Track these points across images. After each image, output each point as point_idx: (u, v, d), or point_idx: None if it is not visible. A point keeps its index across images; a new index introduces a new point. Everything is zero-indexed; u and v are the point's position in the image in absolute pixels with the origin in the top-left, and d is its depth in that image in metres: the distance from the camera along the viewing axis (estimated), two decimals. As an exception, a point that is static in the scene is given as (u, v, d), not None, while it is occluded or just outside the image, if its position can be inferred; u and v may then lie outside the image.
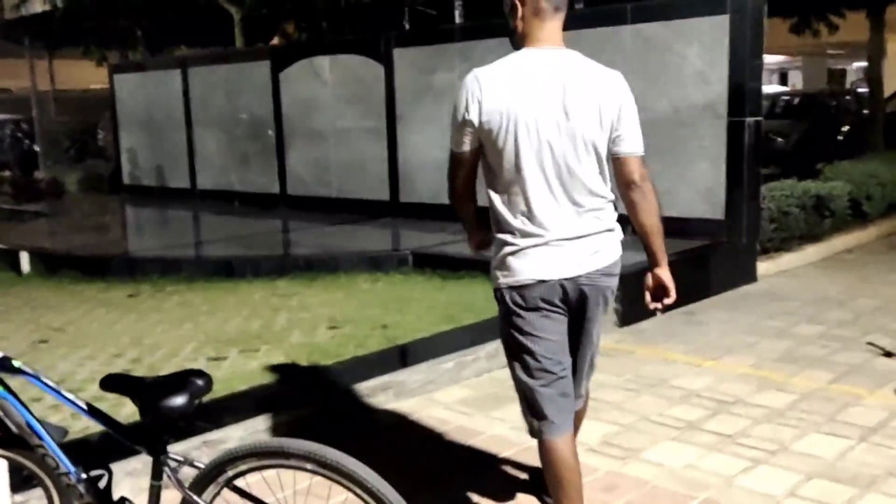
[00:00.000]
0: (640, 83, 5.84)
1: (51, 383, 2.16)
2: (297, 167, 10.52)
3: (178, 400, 2.02)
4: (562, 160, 2.48)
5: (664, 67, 7.02)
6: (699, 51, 6.84)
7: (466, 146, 2.55)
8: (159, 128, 12.45)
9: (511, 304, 2.59)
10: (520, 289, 2.55)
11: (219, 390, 4.20)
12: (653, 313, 2.84)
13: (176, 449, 2.28)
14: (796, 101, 17.27)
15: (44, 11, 16.83)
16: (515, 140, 2.46)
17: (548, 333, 2.59)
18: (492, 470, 3.50)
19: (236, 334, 5.27)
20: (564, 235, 2.52)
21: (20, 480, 2.71)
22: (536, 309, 2.56)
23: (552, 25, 2.53)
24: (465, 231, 2.86)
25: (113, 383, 2.15)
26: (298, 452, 1.96)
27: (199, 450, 3.55)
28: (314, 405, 4.04)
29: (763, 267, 7.02)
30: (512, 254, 2.55)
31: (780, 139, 14.57)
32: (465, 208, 2.75)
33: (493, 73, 2.50)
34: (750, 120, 6.67)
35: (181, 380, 2.07)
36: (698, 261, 6.40)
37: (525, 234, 2.53)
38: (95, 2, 15.34)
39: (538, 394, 2.61)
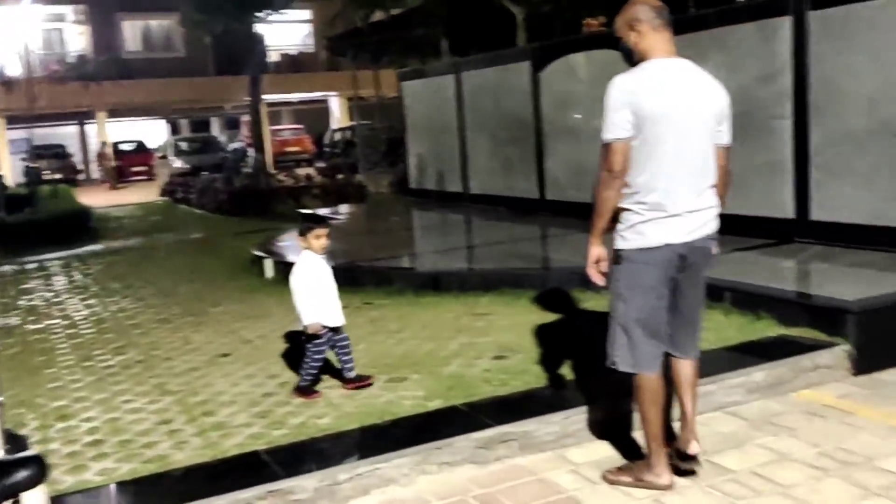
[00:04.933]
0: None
1: None
2: (554, 171, 10.05)
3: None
4: (693, 149, 3.07)
5: None
6: None
7: (625, 133, 3.02)
8: (438, 133, 12.65)
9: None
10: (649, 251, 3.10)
11: (325, 427, 3.94)
12: None
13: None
14: None
15: (358, 27, 18.12)
16: (661, 132, 3.01)
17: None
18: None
19: (397, 359, 4.98)
20: (690, 209, 3.09)
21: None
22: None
23: (667, 37, 3.12)
24: (595, 235, 3.20)
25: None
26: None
27: (263, 500, 3.32)
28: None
29: None
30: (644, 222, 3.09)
31: None
32: (617, 198, 3.10)
33: (640, 76, 3.07)
34: None
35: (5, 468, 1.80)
36: None
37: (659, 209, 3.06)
38: (400, 15, 16.16)
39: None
